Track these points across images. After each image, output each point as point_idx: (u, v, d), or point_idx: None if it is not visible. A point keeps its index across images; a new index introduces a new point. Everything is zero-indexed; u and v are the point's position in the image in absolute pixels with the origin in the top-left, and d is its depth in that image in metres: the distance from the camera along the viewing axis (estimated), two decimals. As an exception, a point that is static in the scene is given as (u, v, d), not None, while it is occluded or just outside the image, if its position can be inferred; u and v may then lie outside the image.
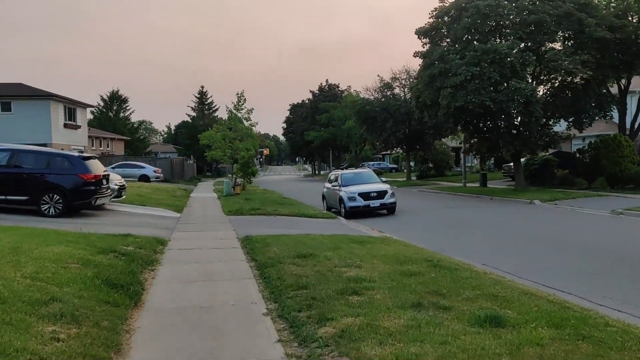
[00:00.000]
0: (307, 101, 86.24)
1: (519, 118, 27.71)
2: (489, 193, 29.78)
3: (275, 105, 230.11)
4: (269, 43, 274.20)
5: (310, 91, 77.12)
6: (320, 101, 71.36)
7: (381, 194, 20.18)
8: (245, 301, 7.09)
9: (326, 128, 66.74)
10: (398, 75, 45.52)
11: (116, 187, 18.49)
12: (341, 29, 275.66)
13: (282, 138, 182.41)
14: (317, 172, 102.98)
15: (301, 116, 78.60)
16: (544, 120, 28.28)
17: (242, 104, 62.55)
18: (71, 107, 42.38)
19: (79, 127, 43.50)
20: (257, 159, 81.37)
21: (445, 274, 7.98)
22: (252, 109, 62.10)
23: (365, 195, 19.98)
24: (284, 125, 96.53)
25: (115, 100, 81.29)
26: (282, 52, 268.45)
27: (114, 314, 6.04)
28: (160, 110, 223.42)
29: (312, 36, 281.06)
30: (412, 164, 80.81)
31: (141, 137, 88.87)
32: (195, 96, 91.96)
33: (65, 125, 40.92)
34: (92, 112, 79.09)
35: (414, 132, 44.90)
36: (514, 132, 28.85)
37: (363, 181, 21.43)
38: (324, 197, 23.48)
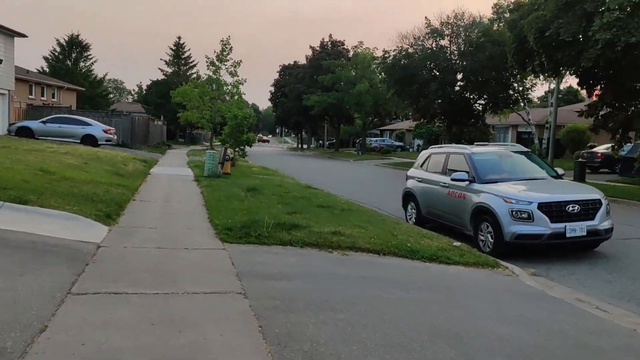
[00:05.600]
0: (300, 63, 73.70)
1: None
2: (626, 194, 18.69)
3: (254, 74, 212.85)
4: (252, 11, 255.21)
5: (310, 47, 64.38)
6: (322, 59, 58.84)
7: (589, 208, 8.67)
8: None
9: (328, 92, 54.50)
10: (451, 20, 33.30)
11: None
12: (326, 3, 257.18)
13: (261, 107, 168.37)
14: (303, 146, 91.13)
15: (296, 77, 65.93)
16: None
17: (228, 54, 50.25)
18: (-13, 32, 29.58)
19: (0, 61, 30.66)
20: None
21: None
22: (240, 61, 49.84)
23: (556, 210, 8.46)
24: (272, 89, 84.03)
25: (75, 47, 67.82)
26: (265, 22, 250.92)
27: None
28: (133, 71, 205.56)
29: (296, 8, 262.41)
30: (420, 142, 69.85)
31: (103, 92, 75.43)
32: (171, 48, 78.21)
33: (-25, 57, 28.23)
34: (45, 59, 66.10)
35: (461, 100, 33.37)
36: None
37: (518, 171, 9.99)
38: (409, 197, 11.89)
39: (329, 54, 60.95)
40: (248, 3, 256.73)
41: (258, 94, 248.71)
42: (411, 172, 12.13)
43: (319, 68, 58.12)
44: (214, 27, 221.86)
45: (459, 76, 34.37)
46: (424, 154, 11.99)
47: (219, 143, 54.60)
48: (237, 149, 24.44)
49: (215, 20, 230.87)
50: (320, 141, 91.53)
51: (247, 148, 26.42)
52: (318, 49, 64.20)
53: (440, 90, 32.09)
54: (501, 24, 31.74)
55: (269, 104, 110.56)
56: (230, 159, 20.00)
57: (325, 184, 20.68)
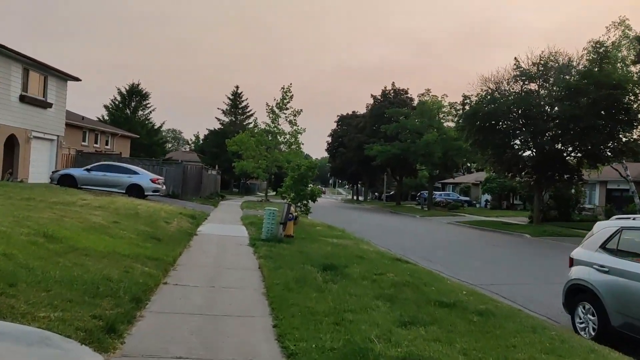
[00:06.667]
0: (359, 113, 70.95)
1: None
2: None
3: (307, 123, 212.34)
4: (306, 63, 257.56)
5: (372, 95, 61.43)
6: (384, 108, 55.49)
7: None
8: None
9: (391, 142, 50.73)
10: (543, 60, 28.96)
11: None
12: (380, 53, 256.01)
13: (314, 157, 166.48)
14: (358, 198, 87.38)
15: (356, 127, 62.81)
16: None
17: (288, 102, 47.83)
18: (38, 74, 27.83)
19: (50, 105, 28.81)
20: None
21: None
22: (300, 110, 47.23)
23: None
24: (328, 140, 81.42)
25: (134, 96, 67.56)
26: (319, 72, 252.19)
27: None
28: (192, 121, 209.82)
29: (350, 59, 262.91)
30: (489, 197, 64.45)
31: (160, 141, 74.51)
32: (228, 97, 77.46)
33: (23, 99, 26.28)
34: (105, 107, 65.94)
35: (553, 152, 28.73)
36: None
37: None
38: (581, 294, 7.60)
39: (392, 103, 57.60)
40: (304, 53, 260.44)
41: (311, 144, 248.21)
42: (581, 254, 7.88)
43: (381, 117, 54.78)
44: (270, 76, 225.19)
45: (551, 124, 29.90)
46: (605, 227, 7.73)
47: (274, 194, 51.62)
48: (299, 204, 20.81)
49: (271, 70, 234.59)
50: (376, 193, 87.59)
51: (310, 203, 22.73)
52: (380, 97, 61.13)
53: (531, 140, 27.63)
54: (603, 64, 27.38)
55: (323, 154, 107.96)
56: (293, 217, 16.29)
57: (408, 251, 16.66)
